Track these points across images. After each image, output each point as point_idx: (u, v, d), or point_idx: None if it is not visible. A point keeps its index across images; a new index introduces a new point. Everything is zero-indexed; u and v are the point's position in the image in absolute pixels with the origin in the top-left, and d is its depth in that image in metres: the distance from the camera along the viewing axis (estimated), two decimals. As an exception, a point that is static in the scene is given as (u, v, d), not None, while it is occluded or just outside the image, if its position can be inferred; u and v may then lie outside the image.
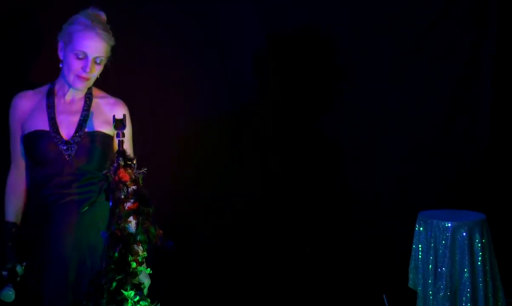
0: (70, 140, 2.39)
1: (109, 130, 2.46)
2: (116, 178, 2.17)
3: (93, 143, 2.42)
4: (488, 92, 4.04)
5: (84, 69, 2.37)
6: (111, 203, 2.17)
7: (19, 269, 2.43)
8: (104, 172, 2.23)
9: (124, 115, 2.37)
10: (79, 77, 2.39)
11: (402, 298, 3.83)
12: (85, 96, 2.49)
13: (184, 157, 3.48)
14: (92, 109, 2.47)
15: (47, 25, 2.96)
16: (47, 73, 2.75)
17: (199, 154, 3.54)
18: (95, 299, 2.11)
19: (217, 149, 3.63)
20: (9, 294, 2.37)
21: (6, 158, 2.88)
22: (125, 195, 2.15)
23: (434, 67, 4.05)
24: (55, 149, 2.38)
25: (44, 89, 2.50)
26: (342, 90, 3.92)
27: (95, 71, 2.41)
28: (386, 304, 3.95)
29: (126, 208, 2.15)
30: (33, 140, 2.41)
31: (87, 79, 2.40)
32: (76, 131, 2.41)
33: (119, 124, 2.26)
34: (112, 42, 2.44)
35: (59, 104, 2.45)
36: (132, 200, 2.15)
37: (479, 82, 4.05)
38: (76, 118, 2.43)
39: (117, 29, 2.57)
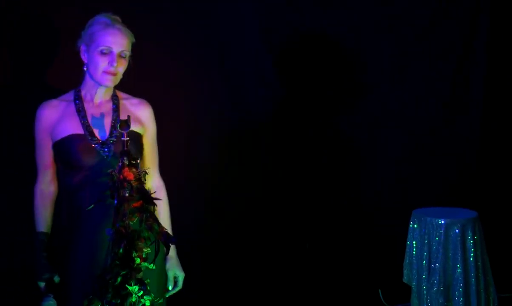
0: (106, 141, 2.38)
1: (138, 128, 2.47)
2: (121, 176, 2.19)
3: (129, 142, 2.33)
4: (480, 93, 4.07)
5: (111, 63, 2.36)
6: (115, 201, 2.19)
7: (56, 279, 2.39)
8: (109, 171, 2.23)
9: (129, 116, 2.38)
10: (106, 73, 2.37)
11: (397, 293, 3.89)
12: (112, 98, 2.48)
13: (185, 156, 3.48)
14: (120, 109, 2.47)
15: (61, 30, 3.00)
16: (60, 76, 2.78)
17: (199, 153, 3.57)
18: (100, 293, 2.14)
19: (217, 149, 3.65)
20: (51, 304, 2.34)
21: (6, 161, 2.90)
22: (129, 193, 2.18)
23: (428, 68, 4.09)
24: (93, 151, 2.36)
25: (69, 96, 2.47)
26: (344, 90, 3.96)
27: (121, 66, 2.40)
28: (382, 298, 4.00)
29: (130, 206, 2.18)
30: (68, 144, 2.37)
31: (115, 74, 2.38)
32: (111, 132, 2.40)
33: (123, 124, 2.27)
34: (133, 39, 2.44)
35: (89, 107, 2.43)
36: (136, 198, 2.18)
37: (472, 84, 4.09)
38: (108, 120, 2.42)
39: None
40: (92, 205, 2.28)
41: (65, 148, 2.38)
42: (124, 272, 2.11)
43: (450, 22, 4.02)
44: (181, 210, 3.38)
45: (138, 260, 2.14)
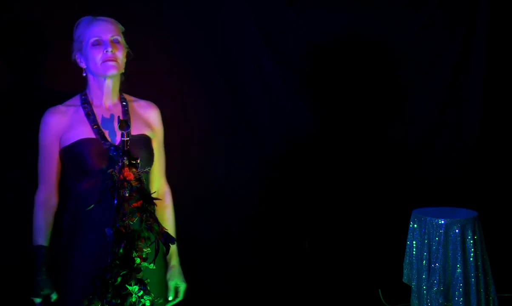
0: (119, 145, 2.28)
1: (149, 132, 2.44)
2: (121, 176, 2.19)
3: (140, 146, 2.36)
4: (479, 93, 4.07)
5: (106, 50, 2.32)
6: (115, 201, 2.20)
7: (54, 296, 2.32)
8: (109, 171, 2.22)
9: (129, 117, 2.41)
10: (106, 60, 2.33)
11: (397, 293, 3.90)
12: (120, 101, 2.44)
13: (185, 156, 3.49)
14: (130, 113, 2.43)
15: (54, 34, 2.97)
16: (55, 79, 2.75)
17: (199, 153, 3.56)
18: (100, 293, 2.14)
19: (217, 148, 3.65)
20: None
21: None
22: (129, 193, 2.18)
23: (428, 66, 4.09)
24: (105, 154, 2.31)
25: (76, 100, 2.42)
26: (348, 93, 3.95)
27: (118, 51, 2.35)
28: (382, 298, 4.00)
29: (130, 206, 2.17)
30: (79, 148, 2.31)
31: (115, 59, 2.33)
32: (128, 138, 2.29)
33: (123, 124, 2.27)
34: (121, 27, 2.41)
35: (98, 111, 2.38)
36: (136, 198, 2.18)
37: (471, 83, 4.09)
38: None
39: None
40: (92, 205, 2.24)
41: (76, 152, 2.32)
42: (124, 272, 2.12)
43: (450, 19, 4.02)
44: (181, 210, 3.40)
45: (138, 260, 2.14)
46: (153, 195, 2.15)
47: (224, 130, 3.68)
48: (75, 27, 2.40)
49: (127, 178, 2.19)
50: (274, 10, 3.79)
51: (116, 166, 2.20)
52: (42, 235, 2.35)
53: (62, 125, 2.36)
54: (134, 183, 2.19)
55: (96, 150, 2.32)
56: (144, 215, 2.17)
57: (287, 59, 3.83)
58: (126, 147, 2.24)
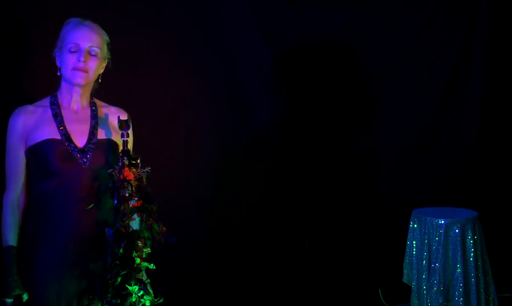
0: (84, 148, 2.32)
1: (116, 137, 2.43)
2: (121, 176, 2.19)
3: (106, 151, 2.37)
4: (479, 93, 4.07)
5: (79, 59, 2.34)
6: (116, 201, 2.20)
7: (25, 296, 2.28)
8: (110, 171, 2.22)
9: (129, 117, 2.41)
10: (76, 69, 2.34)
11: (397, 293, 3.90)
12: (90, 105, 2.46)
13: (185, 156, 3.49)
14: (98, 117, 2.44)
15: (41, 38, 2.88)
16: (40, 84, 2.69)
17: (199, 153, 3.55)
18: (100, 293, 2.14)
19: (217, 148, 3.64)
20: None
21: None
22: (129, 193, 2.19)
23: (428, 66, 4.10)
24: (70, 157, 2.31)
25: (45, 101, 2.43)
26: (345, 96, 3.94)
27: (90, 62, 2.36)
28: (382, 298, 4.00)
29: (131, 205, 2.17)
30: (43, 149, 2.31)
31: (85, 70, 2.35)
32: (89, 139, 2.35)
33: (123, 124, 2.29)
34: (106, 37, 2.42)
35: (66, 113, 2.39)
36: (136, 198, 2.18)
37: (471, 83, 4.09)
38: (86, 126, 2.38)
39: (121, 43, 2.59)
40: (92, 204, 2.26)
41: (40, 152, 2.32)
42: (124, 272, 2.12)
43: (450, 19, 4.02)
44: (181, 210, 3.41)
45: (138, 260, 2.14)
46: None
47: (224, 130, 3.68)
48: (63, 25, 2.42)
49: (127, 178, 2.19)
50: (274, 10, 3.79)
51: (116, 166, 2.21)
52: (10, 236, 2.33)
53: (29, 124, 2.37)
54: (134, 183, 2.19)
55: (60, 151, 2.32)
56: (144, 215, 2.17)
57: (287, 59, 3.83)
58: (126, 147, 2.25)
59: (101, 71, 2.45)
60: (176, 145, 3.44)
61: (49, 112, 2.39)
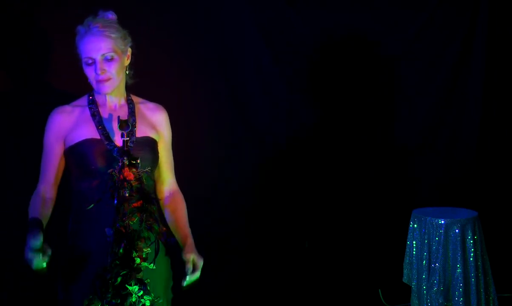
0: (122, 146, 2.26)
1: (154, 134, 2.44)
2: (121, 176, 2.19)
3: (145, 148, 2.37)
4: (479, 93, 4.08)
5: (97, 72, 2.32)
6: (115, 201, 2.20)
7: (49, 252, 2.14)
8: (109, 171, 2.21)
9: (129, 117, 2.40)
10: (98, 81, 2.33)
11: (397, 293, 3.90)
12: (127, 102, 2.45)
13: (185, 156, 3.49)
14: (136, 114, 2.43)
15: (56, 31, 2.97)
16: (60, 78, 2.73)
17: (199, 153, 3.56)
18: (100, 293, 2.14)
19: (217, 148, 3.65)
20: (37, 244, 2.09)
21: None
22: (129, 193, 2.19)
23: (428, 66, 4.10)
24: (109, 155, 2.30)
25: (83, 101, 2.43)
26: (344, 92, 3.96)
27: (109, 67, 2.34)
28: (382, 298, 4.01)
29: (131, 206, 2.18)
30: (83, 148, 2.31)
31: (107, 80, 2.34)
32: (128, 138, 2.29)
33: (123, 124, 2.27)
34: (118, 33, 2.37)
35: (104, 112, 2.39)
36: (136, 198, 2.18)
37: (471, 83, 4.09)
38: None
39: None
40: (92, 205, 2.23)
41: (80, 152, 2.32)
42: (124, 272, 2.12)
43: (450, 19, 4.03)
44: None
45: (138, 260, 2.14)
46: (153, 196, 2.15)
47: (224, 130, 3.69)
48: (76, 33, 2.39)
49: (127, 178, 2.19)
50: (274, 10, 3.79)
51: (116, 166, 2.21)
52: (36, 213, 2.27)
53: (67, 125, 2.37)
54: (134, 183, 2.19)
55: (100, 150, 2.32)
56: (144, 215, 2.17)
57: (287, 59, 3.83)
58: (126, 147, 2.25)
59: (127, 62, 2.41)
60: (176, 145, 3.44)
61: (87, 112, 2.39)
